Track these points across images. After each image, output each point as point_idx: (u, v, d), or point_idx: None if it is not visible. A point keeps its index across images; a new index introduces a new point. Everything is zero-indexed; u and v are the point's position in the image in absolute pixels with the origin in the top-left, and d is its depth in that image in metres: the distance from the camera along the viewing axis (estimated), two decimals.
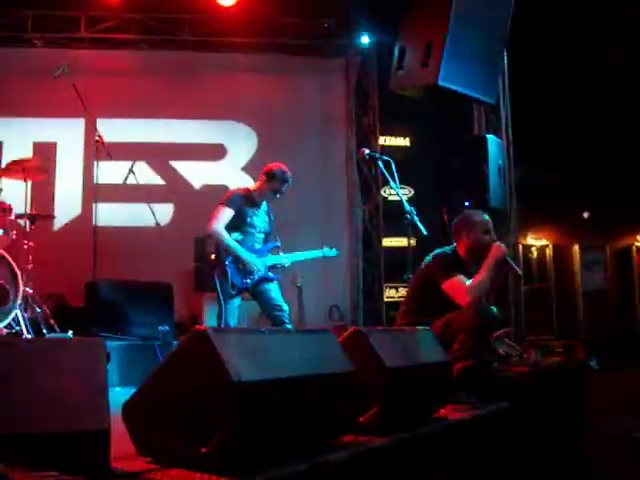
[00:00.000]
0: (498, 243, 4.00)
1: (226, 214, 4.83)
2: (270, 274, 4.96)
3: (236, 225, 4.87)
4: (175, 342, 6.03)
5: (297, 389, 2.15)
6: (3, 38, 8.09)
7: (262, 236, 5.05)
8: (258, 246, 4.98)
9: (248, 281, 4.85)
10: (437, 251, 4.14)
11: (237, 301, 4.89)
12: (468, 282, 3.83)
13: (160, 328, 6.41)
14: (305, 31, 8.34)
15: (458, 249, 4.13)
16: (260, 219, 5.03)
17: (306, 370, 2.22)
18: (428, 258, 4.12)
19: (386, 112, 8.37)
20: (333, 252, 5.44)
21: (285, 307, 4.92)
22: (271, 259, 4.99)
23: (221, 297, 4.79)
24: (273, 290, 4.94)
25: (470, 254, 4.06)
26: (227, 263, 4.78)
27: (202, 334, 1.90)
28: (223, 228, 4.80)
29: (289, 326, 4.90)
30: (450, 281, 3.85)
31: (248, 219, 4.93)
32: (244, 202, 4.94)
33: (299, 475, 2.03)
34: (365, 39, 8.35)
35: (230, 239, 4.80)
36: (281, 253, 5.06)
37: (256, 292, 4.93)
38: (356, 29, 8.36)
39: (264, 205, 5.10)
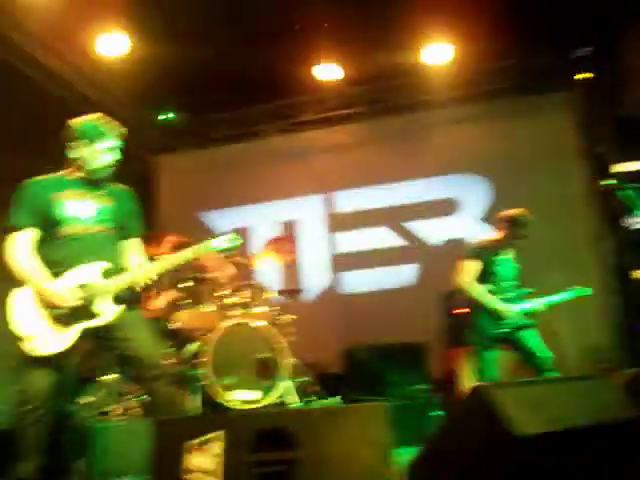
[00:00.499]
0: None
1: (472, 267, 4.85)
2: (526, 321, 4.85)
3: (484, 276, 4.87)
4: (434, 400, 6.04)
5: (582, 439, 2.05)
6: (240, 135, 8.95)
7: (512, 284, 4.97)
8: (510, 294, 4.91)
9: (504, 330, 4.79)
10: None
11: (495, 353, 4.84)
12: None
13: (418, 387, 6.46)
14: (521, 72, 8.19)
15: None
16: (507, 267, 4.98)
17: (590, 418, 2.12)
18: None
19: (622, 136, 7.89)
20: (588, 291, 5.19)
21: (548, 353, 4.77)
22: (525, 306, 4.89)
23: (479, 350, 4.78)
24: (532, 337, 4.82)
25: None
26: (481, 315, 4.77)
27: (481, 390, 1.90)
28: (471, 281, 4.82)
29: (554, 373, 4.73)
30: None
31: (495, 269, 4.90)
32: (489, 252, 4.92)
33: None
34: (583, 77, 8.01)
35: (480, 291, 4.80)
36: (533, 298, 4.94)
37: (514, 341, 4.84)
38: (576, 60, 8.05)
39: (509, 252, 5.03)
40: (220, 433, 2.06)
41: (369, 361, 6.57)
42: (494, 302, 4.76)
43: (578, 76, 8.19)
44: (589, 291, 5.21)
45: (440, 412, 5.47)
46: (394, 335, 7.07)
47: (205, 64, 7.21)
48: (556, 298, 5.02)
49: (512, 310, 4.78)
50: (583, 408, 2.18)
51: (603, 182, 4.61)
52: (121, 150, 3.66)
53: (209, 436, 2.08)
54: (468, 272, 4.85)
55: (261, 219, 8.42)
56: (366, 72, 8.10)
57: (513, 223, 4.92)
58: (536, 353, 4.76)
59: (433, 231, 8.28)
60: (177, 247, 5.32)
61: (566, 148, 8.28)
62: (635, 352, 7.62)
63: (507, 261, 4.99)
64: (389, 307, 7.62)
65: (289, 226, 8.44)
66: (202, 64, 7.20)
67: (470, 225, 8.21)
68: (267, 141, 8.82)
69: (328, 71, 8.00)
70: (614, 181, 4.94)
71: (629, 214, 7.62)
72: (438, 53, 7.75)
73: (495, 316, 4.76)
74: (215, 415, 2.22)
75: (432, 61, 7.82)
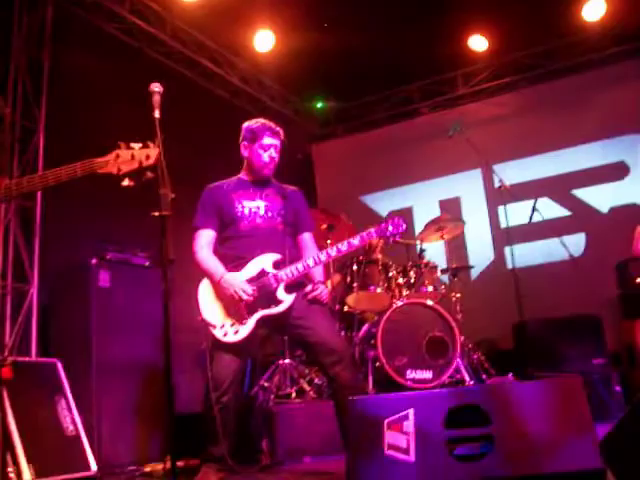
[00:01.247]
0: None
1: None
2: None
3: None
4: (613, 374, 5.80)
5: None
6: (394, 116, 8.99)
7: None
8: None
9: None
10: None
11: None
12: None
13: (594, 361, 6.22)
14: None
15: None
16: None
17: None
18: None
19: None
20: None
21: None
22: None
23: None
24: None
25: None
26: None
27: None
28: None
29: None
30: None
31: None
32: None
33: None
34: None
35: None
36: None
37: None
38: None
39: None
40: (410, 411, 2.12)
41: (541, 335, 6.40)
42: None
43: None
44: None
45: (619, 387, 5.26)
46: (565, 308, 6.84)
47: (353, 49, 7.30)
48: None
49: None
50: None
51: None
52: (281, 148, 3.89)
53: (400, 415, 2.15)
54: None
55: (422, 198, 8.41)
56: (517, 39, 7.86)
57: None
58: None
59: (601, 198, 7.88)
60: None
61: None
62: None
63: None
64: (559, 279, 7.37)
65: (451, 203, 8.37)
66: (350, 50, 7.30)
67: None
68: (422, 119, 8.80)
69: (478, 43, 7.85)
70: None
71: None
72: (594, 9, 7.38)
73: None
74: (405, 394, 2.27)
75: (589, 18, 7.45)
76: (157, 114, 2.73)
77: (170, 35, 6.97)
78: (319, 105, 9.30)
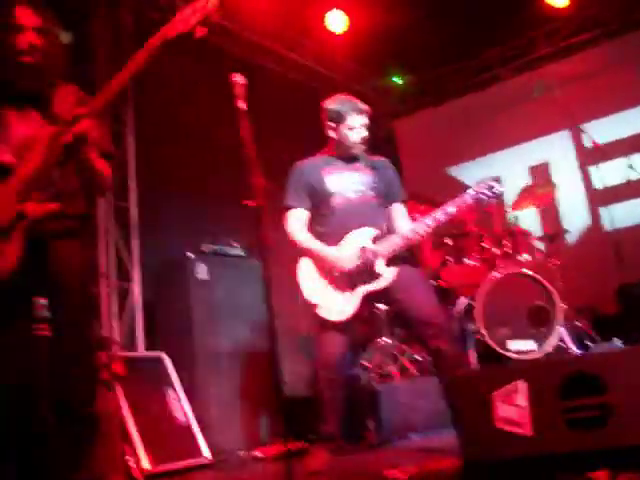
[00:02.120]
0: None
1: None
2: None
3: None
4: None
5: None
6: (474, 84, 8.78)
7: None
8: None
9: None
10: None
11: None
12: None
13: None
14: None
15: None
16: None
17: None
18: None
19: None
20: None
21: None
22: None
23: None
24: None
25: None
26: None
27: None
28: None
29: None
30: None
31: None
32: None
33: None
34: None
35: None
36: None
37: None
38: None
39: None
40: (522, 383, 2.08)
41: None
42: None
43: None
44: None
45: None
46: None
47: (425, 21, 7.18)
48: None
49: None
50: None
51: None
52: (366, 125, 3.84)
53: (510, 386, 2.11)
54: None
55: (510, 165, 8.18)
56: None
57: None
58: None
59: None
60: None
61: None
62: None
63: None
64: None
65: (541, 168, 8.13)
66: (423, 21, 7.17)
67: None
68: (504, 85, 8.56)
69: None
70: None
71: None
72: None
73: None
74: (514, 365, 2.24)
75: None
76: (241, 105, 2.75)
77: (241, 25, 7.03)
78: (397, 81, 9.19)
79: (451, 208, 3.58)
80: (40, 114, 2.61)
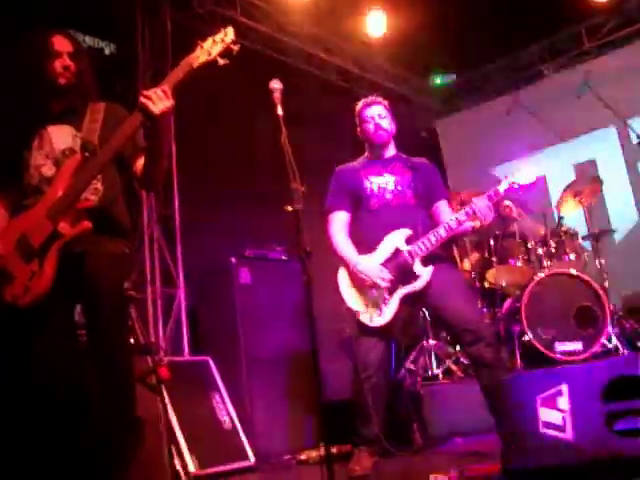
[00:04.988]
0: None
1: None
2: None
3: None
4: None
5: None
6: (518, 80, 8.64)
7: None
8: None
9: None
10: None
11: None
12: None
13: None
14: None
15: None
16: None
17: None
18: None
19: None
20: None
21: None
22: None
23: None
24: None
25: None
26: None
27: None
28: None
29: None
30: None
31: None
32: None
33: None
34: None
35: None
36: None
37: None
38: None
39: None
40: (564, 386, 2.05)
41: None
42: None
43: None
44: None
45: None
46: None
47: (464, 19, 7.10)
48: None
49: None
50: None
51: None
52: (390, 114, 3.87)
53: (554, 390, 2.08)
54: None
55: (555, 164, 8.03)
56: None
57: None
58: None
59: None
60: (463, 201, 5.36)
61: None
62: None
63: None
64: None
65: (587, 166, 7.97)
66: (462, 20, 7.10)
67: None
68: (547, 81, 8.41)
69: None
70: None
71: None
72: None
73: None
74: (556, 369, 2.21)
75: None
76: (279, 111, 2.77)
77: (280, 30, 7.07)
78: (438, 81, 9.12)
79: (481, 202, 3.56)
80: (74, 128, 2.79)
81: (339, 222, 3.83)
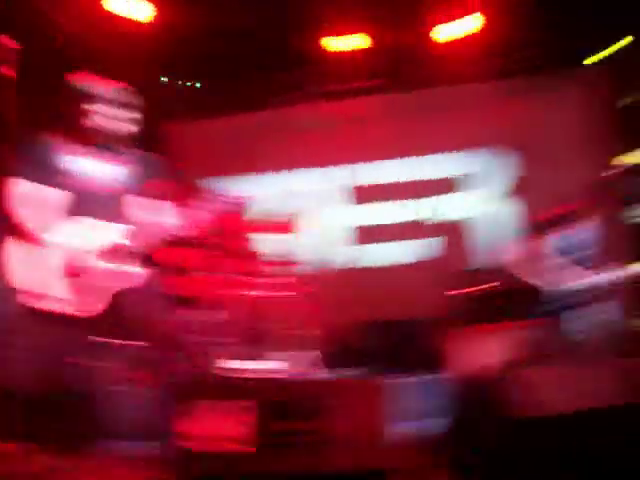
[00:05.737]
0: None
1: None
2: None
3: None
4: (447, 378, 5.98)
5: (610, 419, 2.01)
6: (263, 103, 8.76)
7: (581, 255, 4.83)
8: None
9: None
10: None
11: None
12: None
13: (432, 364, 6.42)
14: (551, 48, 7.99)
15: None
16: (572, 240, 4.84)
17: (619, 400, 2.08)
18: None
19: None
20: None
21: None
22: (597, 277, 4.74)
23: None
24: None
25: None
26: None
27: (507, 369, 1.86)
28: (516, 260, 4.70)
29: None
30: None
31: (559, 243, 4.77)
32: (550, 227, 4.81)
33: None
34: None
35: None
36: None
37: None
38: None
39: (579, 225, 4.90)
40: (247, 401, 2.04)
41: (383, 335, 6.53)
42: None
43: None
44: None
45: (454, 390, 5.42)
46: (409, 311, 6.99)
47: (229, 31, 7.11)
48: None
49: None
50: (612, 389, 2.15)
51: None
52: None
53: (233, 403, 2.06)
54: (516, 252, 4.72)
55: (278, 187, 8.30)
56: (394, 44, 7.96)
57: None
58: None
59: (456, 207, 8.17)
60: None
61: (594, 132, 8.09)
62: None
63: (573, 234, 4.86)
64: (405, 282, 7.54)
65: (309, 196, 8.36)
66: (226, 31, 7.10)
67: (492, 202, 8.11)
68: (290, 110, 8.67)
69: (355, 42, 7.90)
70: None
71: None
72: (465, 25, 7.64)
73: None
74: (241, 383, 2.21)
75: (460, 33, 7.71)
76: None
77: None
78: (187, 84, 8.94)
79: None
80: None
81: None
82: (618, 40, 7.61)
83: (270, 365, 4.96)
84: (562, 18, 7.35)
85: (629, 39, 7.60)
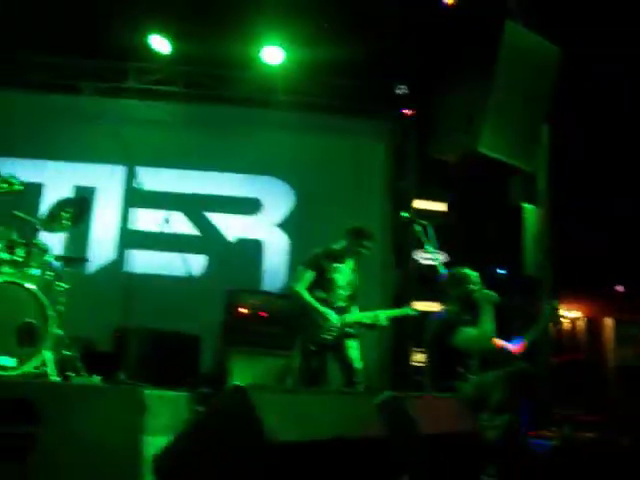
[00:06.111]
0: (487, 292, 4.22)
1: (306, 275, 4.87)
2: (351, 330, 4.91)
3: (319, 283, 4.89)
4: (201, 394, 5.98)
5: (330, 452, 2.10)
6: (53, 85, 8.32)
7: (346, 292, 5.01)
8: (341, 303, 4.95)
9: (329, 337, 4.82)
10: (436, 314, 4.55)
11: (316, 359, 4.84)
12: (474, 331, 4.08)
13: (187, 379, 6.38)
14: (346, 92, 8.44)
15: (452, 307, 4.37)
16: (343, 276, 5.01)
17: (341, 433, 2.18)
18: (433, 322, 4.42)
19: (424, 176, 8.39)
20: (415, 312, 5.36)
21: (359, 366, 4.87)
22: (354, 316, 4.96)
23: (303, 354, 4.81)
24: (352, 348, 4.90)
25: (464, 307, 4.28)
26: (309, 320, 4.80)
27: (240, 390, 1.87)
28: (303, 288, 4.83)
29: (360, 387, 4.82)
30: (461, 334, 4.06)
31: (329, 275, 4.93)
32: (325, 260, 4.95)
33: None
34: (407, 112, 8.36)
35: (309, 297, 4.82)
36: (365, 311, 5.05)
37: (335, 349, 4.88)
38: (400, 95, 8.42)
39: (349, 263, 5.08)
40: None
41: (141, 345, 6.40)
42: (320, 308, 4.78)
43: (396, 110, 8.56)
44: (416, 312, 5.37)
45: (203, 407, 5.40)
46: (172, 323, 6.94)
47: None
48: (390, 313, 5.16)
49: (336, 317, 4.82)
50: (338, 422, 2.24)
51: (404, 215, 4.97)
52: None
53: None
54: (301, 279, 4.84)
55: (57, 178, 7.87)
56: (198, 54, 7.94)
57: (359, 235, 4.97)
58: (353, 364, 4.83)
59: (231, 227, 8.26)
60: None
61: (373, 176, 8.64)
62: (397, 376, 8.11)
63: (345, 270, 5.03)
64: (172, 294, 7.47)
65: (86, 191, 7.98)
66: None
67: (268, 228, 8.31)
68: (81, 98, 8.26)
69: (160, 44, 7.79)
70: (413, 216, 5.27)
71: (420, 248, 8.13)
72: (272, 55, 7.85)
73: (321, 322, 4.78)
74: None
75: (267, 61, 7.89)
76: None
77: None
78: None
79: None
80: None
81: None
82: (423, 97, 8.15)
83: (13, 361, 4.63)
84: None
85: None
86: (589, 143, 9.32)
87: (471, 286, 4.32)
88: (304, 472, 1.99)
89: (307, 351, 4.81)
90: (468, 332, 4.08)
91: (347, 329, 4.88)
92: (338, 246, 5.06)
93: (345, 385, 4.81)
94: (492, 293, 4.20)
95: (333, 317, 4.83)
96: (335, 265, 4.97)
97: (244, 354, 6.68)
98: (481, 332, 4.05)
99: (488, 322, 4.07)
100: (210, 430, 1.96)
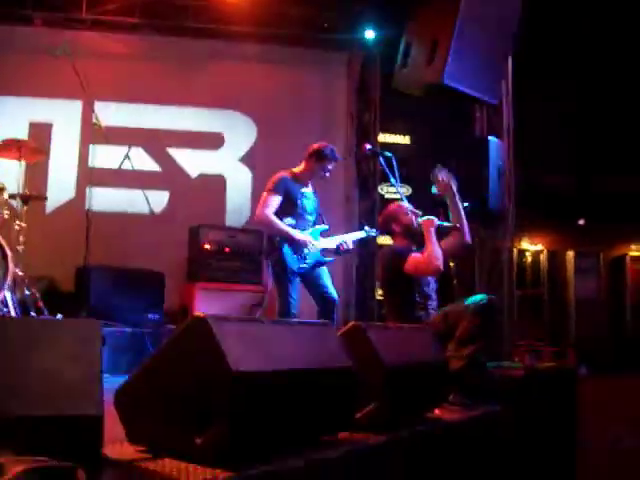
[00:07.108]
0: (425, 217, 4.20)
1: (274, 200, 4.68)
2: (324, 258, 4.81)
3: (286, 209, 4.72)
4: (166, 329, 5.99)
5: (295, 382, 2.10)
6: (1, 14, 7.94)
7: (313, 218, 4.90)
8: (310, 229, 4.83)
9: (305, 265, 4.69)
10: (383, 249, 4.68)
11: (288, 287, 4.66)
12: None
13: (150, 316, 6.37)
14: (309, 23, 8.23)
15: (396, 240, 4.34)
16: (310, 201, 4.89)
17: (305, 363, 2.17)
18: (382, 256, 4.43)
19: (387, 109, 8.30)
20: (374, 232, 5.29)
21: (334, 294, 4.80)
22: (325, 241, 4.85)
23: (279, 287, 4.68)
24: (324, 275, 4.81)
25: (408, 238, 4.26)
26: (283, 249, 4.61)
27: (202, 321, 1.84)
28: (272, 214, 4.65)
29: (334, 315, 4.76)
30: (410, 260, 4.01)
31: (298, 202, 4.78)
32: (292, 185, 4.79)
33: (294, 471, 1.98)
34: (369, 33, 8.15)
35: (281, 223, 4.65)
36: (330, 236, 4.94)
37: (309, 277, 4.77)
38: (361, 23, 8.23)
39: (311, 187, 4.96)
40: None
41: (104, 283, 6.35)
42: (296, 233, 4.63)
43: (359, 40, 8.38)
44: (375, 232, 5.32)
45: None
46: (135, 261, 6.89)
47: None
48: (351, 236, 5.07)
49: (316, 244, 4.72)
50: (303, 352, 2.23)
51: (367, 147, 4.89)
52: None
53: None
54: (269, 205, 4.64)
55: (8, 114, 7.61)
56: None
57: (322, 156, 4.82)
58: (326, 291, 4.76)
59: (193, 162, 8.13)
60: None
61: (336, 108, 8.54)
62: (362, 310, 8.19)
63: (310, 195, 4.92)
64: (134, 231, 7.38)
65: (42, 126, 7.75)
66: None
67: (230, 163, 8.20)
68: (30, 30, 7.90)
69: None
70: (377, 148, 5.21)
71: (382, 182, 8.12)
72: None
73: (297, 248, 4.64)
74: None
75: None
76: None
77: None
78: None
79: None
80: None
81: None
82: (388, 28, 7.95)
83: None
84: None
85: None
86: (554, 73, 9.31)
87: (408, 216, 4.28)
88: (269, 403, 1.98)
89: (279, 280, 4.67)
90: (415, 257, 4.05)
91: (322, 257, 4.78)
92: (300, 169, 4.92)
93: (320, 313, 4.76)
94: (430, 217, 4.16)
95: (315, 239, 4.73)
96: (303, 190, 4.84)
97: (209, 290, 6.69)
98: (427, 254, 3.99)
99: (431, 245, 4.02)
100: (171, 362, 1.93)
